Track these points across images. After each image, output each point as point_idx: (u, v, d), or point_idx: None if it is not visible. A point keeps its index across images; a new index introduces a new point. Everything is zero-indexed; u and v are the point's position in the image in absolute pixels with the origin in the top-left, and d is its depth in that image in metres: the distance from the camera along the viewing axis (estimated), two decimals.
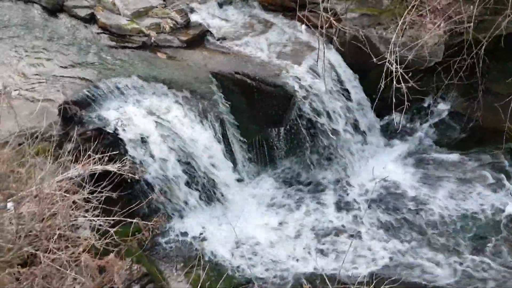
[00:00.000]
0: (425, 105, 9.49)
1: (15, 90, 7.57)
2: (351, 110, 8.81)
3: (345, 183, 8.66)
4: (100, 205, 5.67)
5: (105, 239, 5.46)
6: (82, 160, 5.97)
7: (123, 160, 6.27)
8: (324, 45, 8.22)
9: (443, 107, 9.53)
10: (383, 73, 7.08)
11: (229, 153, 8.19)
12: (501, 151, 8.72)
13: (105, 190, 5.79)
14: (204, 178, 7.86)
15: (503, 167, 8.72)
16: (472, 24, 7.65)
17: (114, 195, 5.88)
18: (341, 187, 8.61)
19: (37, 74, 7.88)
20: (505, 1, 7.47)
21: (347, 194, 8.50)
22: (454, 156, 9.00)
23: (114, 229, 5.59)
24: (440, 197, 8.37)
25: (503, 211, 8.12)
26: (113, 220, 5.73)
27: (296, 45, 8.88)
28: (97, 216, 5.60)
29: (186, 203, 7.84)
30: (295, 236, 7.87)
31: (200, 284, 5.62)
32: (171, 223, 7.71)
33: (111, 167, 6.02)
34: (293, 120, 8.47)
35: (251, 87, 8.24)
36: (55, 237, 5.14)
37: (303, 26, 8.91)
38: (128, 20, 8.82)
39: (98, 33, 8.77)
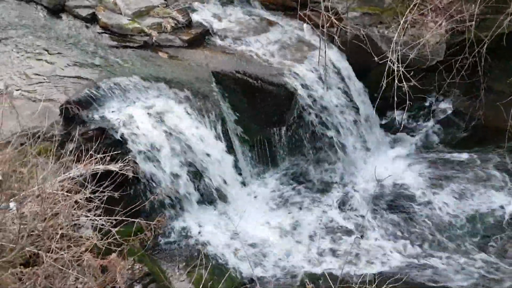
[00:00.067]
0: (427, 104, 9.48)
1: (17, 90, 7.57)
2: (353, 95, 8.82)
3: (348, 183, 8.64)
4: (102, 205, 5.67)
5: (107, 238, 5.46)
6: (84, 160, 5.96)
7: (125, 159, 6.28)
8: (326, 44, 8.26)
9: (445, 106, 9.51)
10: (385, 72, 7.09)
11: (231, 153, 8.18)
12: (504, 149, 8.72)
13: (107, 189, 5.79)
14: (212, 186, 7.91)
15: (506, 166, 8.70)
16: (473, 22, 7.65)
17: (116, 194, 5.88)
18: (344, 186, 8.59)
19: (38, 74, 7.88)
20: None
21: (350, 194, 8.48)
22: (457, 155, 8.98)
23: (116, 229, 5.58)
24: (444, 196, 8.35)
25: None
26: (115, 219, 5.72)
27: (297, 44, 8.89)
28: (99, 215, 5.60)
29: (187, 199, 7.85)
30: (297, 235, 7.85)
31: (202, 284, 5.60)
32: (173, 223, 7.70)
33: (113, 167, 6.02)
34: (295, 119, 8.47)
35: (252, 87, 8.24)
36: (57, 236, 5.14)
37: (305, 25, 8.92)
38: (130, 20, 8.83)
39: (99, 33, 8.78)
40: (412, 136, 9.37)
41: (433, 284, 7.15)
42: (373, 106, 8.61)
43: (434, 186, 8.52)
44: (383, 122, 9.38)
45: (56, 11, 9.20)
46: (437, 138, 9.34)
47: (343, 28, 8.02)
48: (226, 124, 8.08)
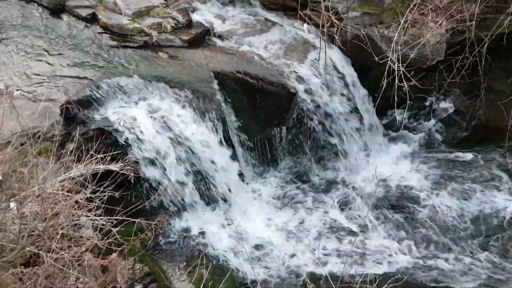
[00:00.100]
0: (427, 103, 9.47)
1: (17, 90, 7.57)
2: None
3: (349, 182, 8.63)
4: (103, 205, 5.67)
5: (107, 238, 5.46)
6: (84, 160, 5.97)
7: (126, 159, 6.28)
8: (326, 44, 8.26)
9: (445, 106, 9.50)
10: (385, 72, 7.09)
11: (231, 152, 8.18)
12: (504, 149, 8.71)
13: (108, 189, 5.79)
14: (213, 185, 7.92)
15: (506, 166, 8.69)
16: (474, 22, 7.66)
17: (117, 194, 5.88)
18: (345, 186, 8.58)
19: (39, 74, 7.88)
20: None
21: (351, 194, 8.46)
22: (459, 154, 8.97)
23: (117, 229, 5.59)
24: (447, 196, 8.34)
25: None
26: (116, 219, 5.73)
27: (298, 44, 8.88)
28: (100, 215, 5.60)
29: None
30: (298, 235, 7.84)
31: (203, 283, 5.60)
32: (174, 222, 7.70)
33: (114, 167, 6.02)
34: (295, 119, 8.46)
35: (252, 86, 8.24)
36: (58, 236, 5.14)
37: (306, 25, 8.91)
38: (130, 20, 8.82)
39: (99, 33, 8.77)
40: (412, 135, 9.36)
41: (436, 284, 7.14)
42: (374, 105, 8.62)
43: (437, 186, 8.50)
44: (384, 122, 9.37)
45: (56, 11, 9.18)
46: (438, 137, 9.32)
47: (344, 28, 8.04)
48: (226, 123, 8.07)
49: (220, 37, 8.94)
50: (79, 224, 5.79)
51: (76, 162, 5.97)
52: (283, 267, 7.41)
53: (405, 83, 6.84)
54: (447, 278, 7.23)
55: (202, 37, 8.87)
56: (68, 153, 6.02)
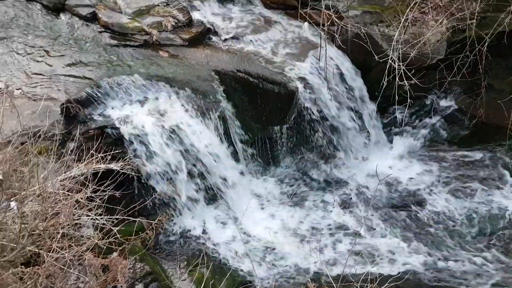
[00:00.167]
0: (428, 102, 9.46)
1: (17, 89, 7.58)
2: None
3: (349, 181, 8.62)
4: (103, 204, 5.67)
5: (108, 238, 5.46)
6: (85, 159, 5.97)
7: (126, 158, 6.28)
8: (326, 42, 8.26)
9: (446, 104, 9.49)
10: (386, 71, 7.09)
11: (232, 152, 8.18)
12: (505, 147, 8.70)
13: (108, 189, 5.79)
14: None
15: (507, 165, 8.68)
16: (474, 21, 7.65)
17: (117, 193, 5.89)
18: (345, 185, 8.57)
19: (39, 73, 7.89)
20: None
21: (352, 192, 8.45)
22: (458, 153, 8.96)
23: (118, 228, 5.59)
24: (446, 194, 8.32)
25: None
26: (117, 219, 5.73)
27: (298, 43, 8.87)
28: (100, 215, 5.60)
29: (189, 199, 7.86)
30: (299, 234, 7.84)
31: (203, 282, 5.61)
32: (174, 222, 7.70)
33: (114, 166, 6.02)
34: (296, 118, 8.46)
35: (253, 85, 8.23)
36: (59, 236, 5.13)
37: (306, 24, 8.91)
38: (130, 19, 8.82)
39: (99, 32, 8.78)
40: (413, 134, 9.35)
41: (437, 284, 7.13)
42: (375, 104, 8.62)
43: (434, 184, 8.50)
44: (384, 121, 9.35)
45: (56, 10, 9.20)
46: (437, 136, 9.31)
47: (344, 27, 8.03)
48: (227, 122, 8.07)
49: (221, 35, 8.94)
50: (80, 224, 5.78)
51: (76, 161, 5.97)
52: (283, 265, 7.41)
53: (405, 81, 6.85)
54: (449, 277, 7.21)
55: (202, 36, 8.88)
56: (69, 152, 6.02)
